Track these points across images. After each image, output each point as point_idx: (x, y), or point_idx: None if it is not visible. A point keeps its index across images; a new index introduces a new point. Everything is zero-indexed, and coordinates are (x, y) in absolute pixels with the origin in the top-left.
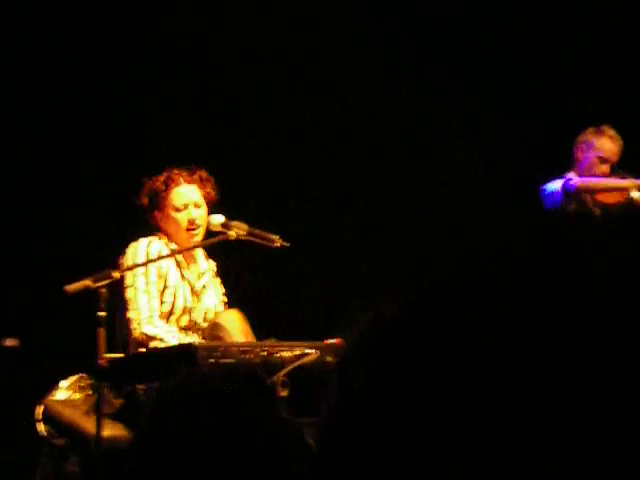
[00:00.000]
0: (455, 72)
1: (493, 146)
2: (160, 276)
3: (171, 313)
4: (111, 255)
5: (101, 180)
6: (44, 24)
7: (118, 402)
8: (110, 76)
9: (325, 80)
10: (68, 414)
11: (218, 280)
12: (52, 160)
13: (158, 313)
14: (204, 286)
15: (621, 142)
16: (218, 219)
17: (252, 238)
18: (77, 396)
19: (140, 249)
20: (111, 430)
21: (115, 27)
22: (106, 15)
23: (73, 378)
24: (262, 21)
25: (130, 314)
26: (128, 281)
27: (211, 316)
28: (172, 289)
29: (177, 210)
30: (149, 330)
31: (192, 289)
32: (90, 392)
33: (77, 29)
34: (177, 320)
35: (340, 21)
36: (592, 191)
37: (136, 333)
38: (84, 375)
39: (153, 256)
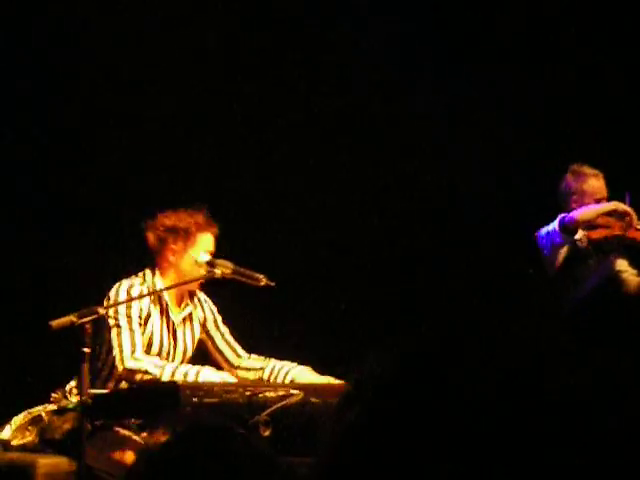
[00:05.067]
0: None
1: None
2: (141, 317)
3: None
4: (95, 291)
5: (86, 216)
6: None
7: (66, 427)
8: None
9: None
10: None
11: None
12: (37, 192)
13: (141, 348)
14: (183, 322)
15: (602, 175)
16: (204, 257)
17: (237, 277)
18: (22, 439)
19: (122, 291)
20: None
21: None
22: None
23: (22, 418)
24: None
25: (114, 352)
26: (111, 323)
27: (189, 355)
28: (149, 334)
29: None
30: (131, 364)
31: (173, 332)
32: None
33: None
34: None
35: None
36: (590, 222)
37: (120, 369)
38: (35, 413)
39: (135, 295)
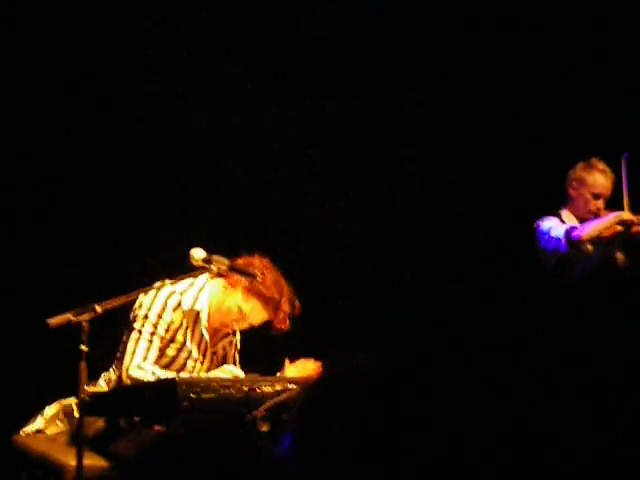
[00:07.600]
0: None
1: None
2: (168, 330)
3: (169, 365)
4: (95, 290)
5: (94, 223)
6: None
7: (100, 423)
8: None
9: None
10: (38, 447)
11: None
12: (50, 194)
13: (151, 362)
14: (217, 351)
15: (612, 175)
16: (199, 254)
17: (233, 273)
18: (55, 428)
19: (159, 298)
20: (89, 459)
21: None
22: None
23: (54, 408)
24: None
25: (125, 358)
26: (137, 325)
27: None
28: (178, 344)
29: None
30: (135, 374)
31: (206, 352)
32: (69, 423)
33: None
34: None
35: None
36: (597, 238)
37: (124, 376)
38: (67, 404)
39: (170, 308)
